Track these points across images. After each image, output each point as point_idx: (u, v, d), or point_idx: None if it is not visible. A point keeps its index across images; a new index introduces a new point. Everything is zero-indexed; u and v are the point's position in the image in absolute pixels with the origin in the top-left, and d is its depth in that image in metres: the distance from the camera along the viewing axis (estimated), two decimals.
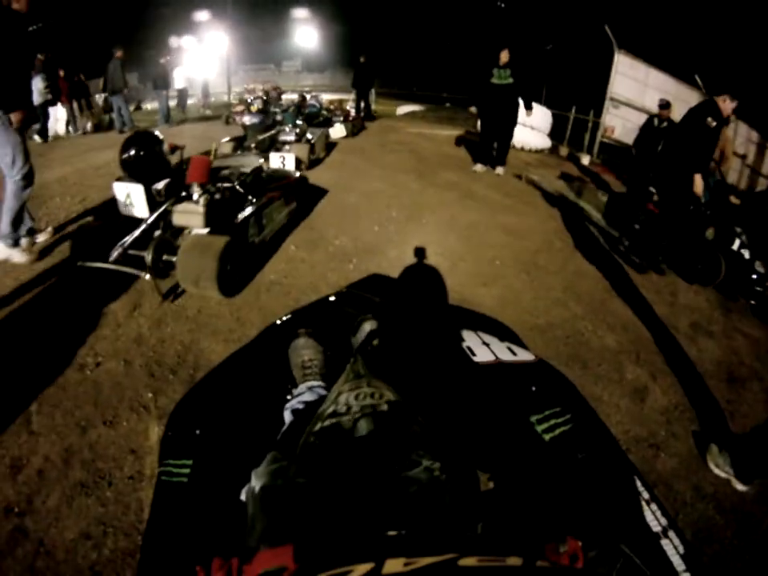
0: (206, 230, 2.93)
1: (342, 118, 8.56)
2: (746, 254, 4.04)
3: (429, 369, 1.25)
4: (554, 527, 0.95)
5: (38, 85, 7.70)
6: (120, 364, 2.36)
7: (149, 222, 2.84)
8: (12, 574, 1.53)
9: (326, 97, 10.80)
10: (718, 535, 2.00)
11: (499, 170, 6.63)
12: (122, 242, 2.79)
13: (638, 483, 1.17)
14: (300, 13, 24.50)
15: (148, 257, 2.71)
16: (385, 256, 3.73)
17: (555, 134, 10.20)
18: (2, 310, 2.68)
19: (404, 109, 13.68)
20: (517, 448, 1.12)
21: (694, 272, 4.21)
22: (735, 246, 4.10)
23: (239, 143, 5.55)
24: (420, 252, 3.82)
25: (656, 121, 6.71)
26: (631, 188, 6.31)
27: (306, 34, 24.72)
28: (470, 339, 1.37)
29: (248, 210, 3.20)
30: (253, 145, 5.45)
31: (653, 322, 3.57)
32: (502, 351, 1.35)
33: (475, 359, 1.30)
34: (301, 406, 1.14)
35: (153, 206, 2.87)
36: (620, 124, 9.45)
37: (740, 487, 2.34)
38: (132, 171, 2.85)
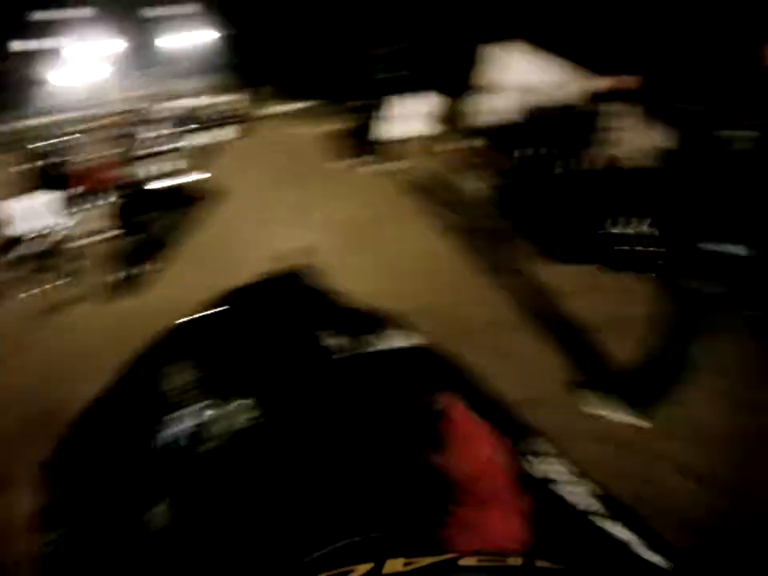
0: (113, 233, 3.06)
1: (229, 121, 8.26)
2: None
3: (289, 372, 1.18)
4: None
5: None
6: None
7: (61, 229, 2.88)
8: None
9: (209, 100, 10.32)
10: (610, 467, 2.08)
11: (376, 165, 6.59)
12: (29, 252, 2.79)
13: (540, 441, 1.23)
14: (185, 10, 23.04)
15: (61, 263, 2.84)
16: (255, 259, 3.53)
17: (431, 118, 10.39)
18: None
19: (283, 108, 13.49)
20: (403, 437, 1.07)
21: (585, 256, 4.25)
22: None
23: None
24: (288, 251, 3.60)
25: (541, 105, 7.06)
26: (516, 172, 6.68)
27: (193, 34, 23.36)
28: (334, 335, 1.33)
29: (152, 213, 3.34)
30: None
31: (528, 286, 3.73)
32: (378, 340, 1.33)
33: (337, 355, 1.25)
34: (182, 434, 1.05)
35: (65, 213, 2.91)
36: (496, 108, 9.72)
37: (622, 419, 2.59)
38: (49, 181, 2.93)
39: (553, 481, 1.06)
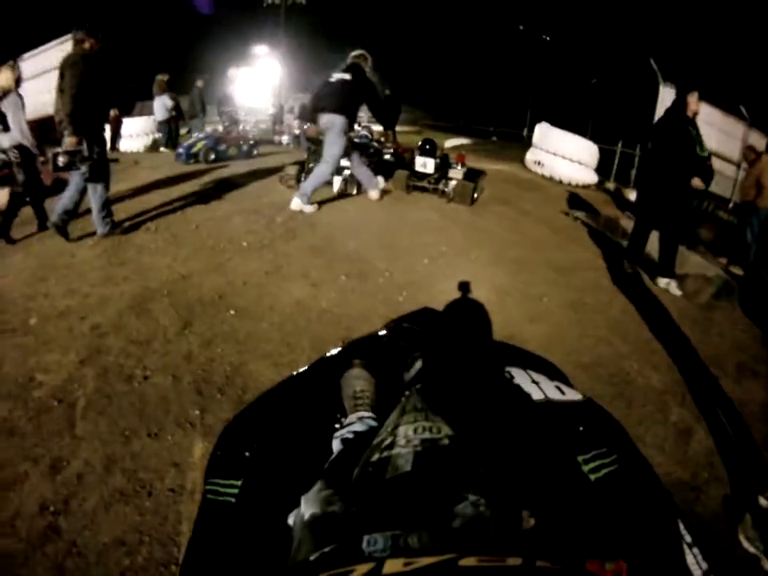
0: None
1: (391, 150, 8.15)
2: None
3: (481, 405, 1.21)
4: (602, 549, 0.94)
5: (166, 103, 9.32)
6: (168, 379, 2.42)
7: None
8: (40, 569, 1.54)
9: (376, 128, 10.35)
10: None
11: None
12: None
13: (681, 526, 1.12)
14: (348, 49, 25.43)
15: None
16: (434, 289, 3.70)
17: (601, 168, 9.94)
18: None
19: (451, 142, 13.62)
20: (562, 487, 1.10)
21: None
22: None
23: (302, 167, 6.08)
24: (467, 287, 3.77)
25: None
26: None
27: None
28: (520, 377, 1.36)
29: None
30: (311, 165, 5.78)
31: (698, 362, 3.46)
32: (551, 390, 1.34)
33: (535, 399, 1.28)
34: (350, 436, 1.14)
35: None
36: None
37: None
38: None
39: None
